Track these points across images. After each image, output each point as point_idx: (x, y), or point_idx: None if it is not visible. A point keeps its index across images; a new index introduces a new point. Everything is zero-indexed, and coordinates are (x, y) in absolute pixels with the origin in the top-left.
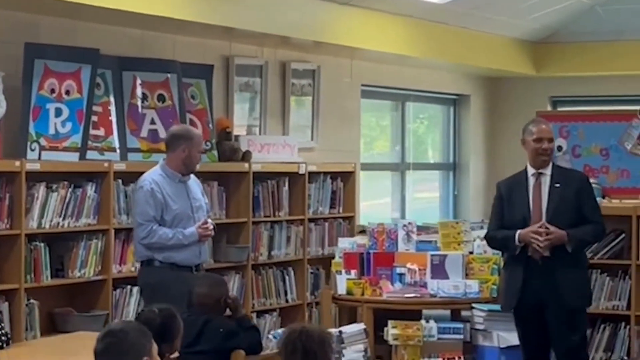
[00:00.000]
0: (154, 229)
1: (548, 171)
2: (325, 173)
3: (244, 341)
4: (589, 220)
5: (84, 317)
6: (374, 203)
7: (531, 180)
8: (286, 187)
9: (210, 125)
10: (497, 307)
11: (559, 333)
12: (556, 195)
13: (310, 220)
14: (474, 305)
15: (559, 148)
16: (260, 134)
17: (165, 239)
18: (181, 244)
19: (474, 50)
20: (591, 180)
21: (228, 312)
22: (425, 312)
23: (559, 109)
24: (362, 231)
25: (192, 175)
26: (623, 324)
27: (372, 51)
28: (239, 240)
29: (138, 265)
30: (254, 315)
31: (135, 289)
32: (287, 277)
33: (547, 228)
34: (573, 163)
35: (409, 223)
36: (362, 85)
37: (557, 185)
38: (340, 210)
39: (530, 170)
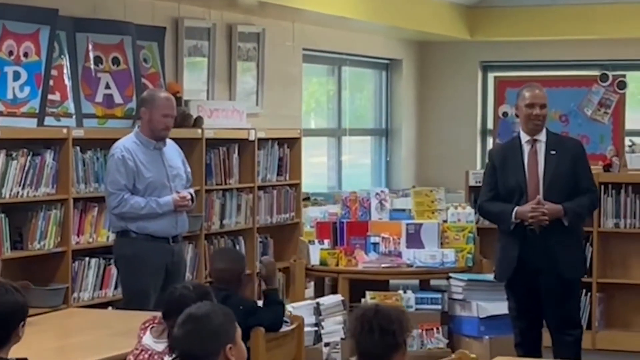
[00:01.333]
0: (125, 197)
1: (542, 137)
2: (273, 140)
3: (264, 318)
4: (585, 190)
5: (42, 290)
6: (311, 171)
7: (526, 147)
8: (236, 154)
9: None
10: (476, 276)
11: (554, 302)
12: (552, 163)
13: (259, 188)
14: (451, 274)
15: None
16: (208, 99)
17: (137, 208)
18: (155, 213)
19: (410, 13)
20: None
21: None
22: (392, 281)
23: (490, 74)
24: (307, 199)
25: (171, 142)
26: (584, 290)
27: (313, 12)
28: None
29: (113, 235)
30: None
31: (94, 261)
32: (238, 247)
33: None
34: None
35: (382, 191)
36: (304, 49)
37: (553, 152)
38: (287, 178)
39: (524, 137)
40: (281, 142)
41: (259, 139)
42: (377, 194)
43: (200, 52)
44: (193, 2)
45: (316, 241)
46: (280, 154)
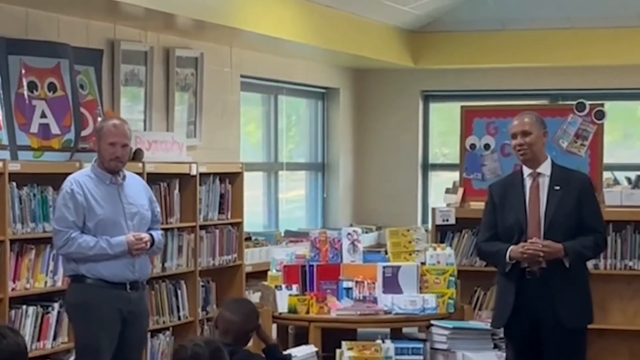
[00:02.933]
0: (73, 236)
1: (547, 171)
2: (214, 174)
3: None
4: (590, 229)
5: None
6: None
7: (527, 181)
8: (177, 190)
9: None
10: (461, 323)
11: (555, 354)
12: (556, 199)
13: (201, 227)
14: (432, 322)
15: (487, 146)
16: (145, 129)
17: (86, 248)
18: (106, 254)
19: (351, 36)
20: None
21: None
22: (360, 330)
23: (432, 104)
24: (248, 238)
25: (136, 178)
26: None
27: (251, 34)
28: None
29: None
30: (149, 335)
31: (32, 309)
32: (179, 292)
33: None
34: (502, 163)
35: (354, 231)
36: (242, 76)
37: (557, 187)
38: (229, 216)
39: (527, 171)
40: (222, 177)
41: (200, 174)
42: (348, 234)
43: (137, 78)
44: (128, 23)
45: (283, 286)
46: (222, 190)
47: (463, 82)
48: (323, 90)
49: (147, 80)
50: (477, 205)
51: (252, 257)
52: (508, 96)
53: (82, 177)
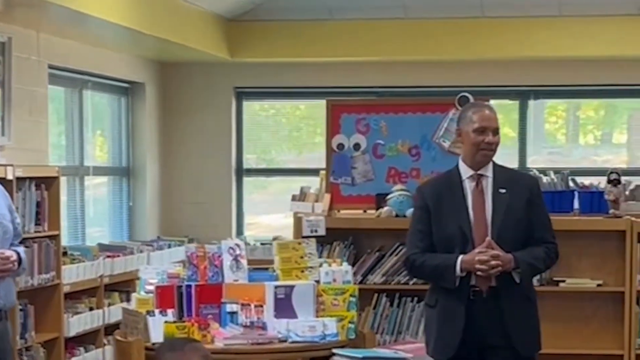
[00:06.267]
0: None
1: (489, 172)
2: (30, 179)
3: None
4: (540, 239)
5: None
6: None
7: (468, 185)
8: None
9: None
10: (371, 352)
11: None
12: (502, 204)
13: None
14: (335, 350)
15: (357, 146)
16: None
17: None
18: None
19: (162, 20)
20: (399, 187)
21: None
22: None
23: (246, 102)
24: (64, 253)
25: None
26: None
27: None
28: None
29: None
30: None
31: None
32: None
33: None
34: (374, 165)
35: (237, 244)
36: (50, 67)
37: (503, 191)
38: (46, 228)
39: (466, 172)
40: (38, 182)
41: (18, 178)
42: (230, 248)
43: None
44: None
45: (157, 311)
46: (38, 198)
47: (283, 78)
48: (127, 85)
49: None
50: (348, 214)
51: (69, 275)
52: (334, 93)
53: None
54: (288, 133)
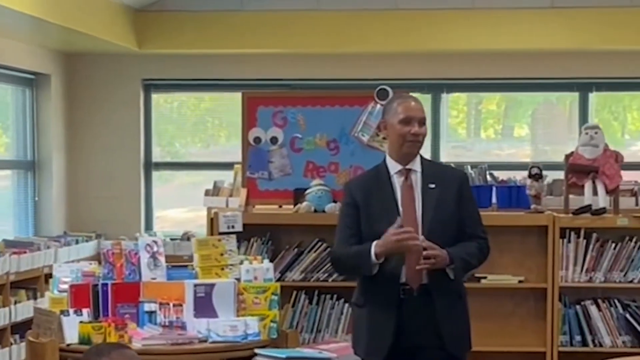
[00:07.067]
0: None
1: (417, 167)
2: None
3: None
4: (472, 235)
5: None
6: None
7: (396, 180)
8: None
9: None
10: (295, 352)
11: None
12: (432, 199)
13: None
14: (257, 351)
15: (274, 140)
16: None
17: None
18: None
19: (66, 8)
20: (317, 182)
21: None
22: None
23: (155, 95)
24: None
25: None
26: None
27: None
28: None
29: None
30: None
31: None
32: None
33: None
34: (292, 159)
35: (154, 241)
36: None
37: (432, 185)
38: None
39: (394, 167)
40: None
41: None
42: (147, 245)
43: None
44: None
45: (71, 311)
46: None
47: (193, 70)
48: (32, 77)
49: None
50: (266, 209)
51: None
52: (246, 86)
53: None
54: (193, 126)
